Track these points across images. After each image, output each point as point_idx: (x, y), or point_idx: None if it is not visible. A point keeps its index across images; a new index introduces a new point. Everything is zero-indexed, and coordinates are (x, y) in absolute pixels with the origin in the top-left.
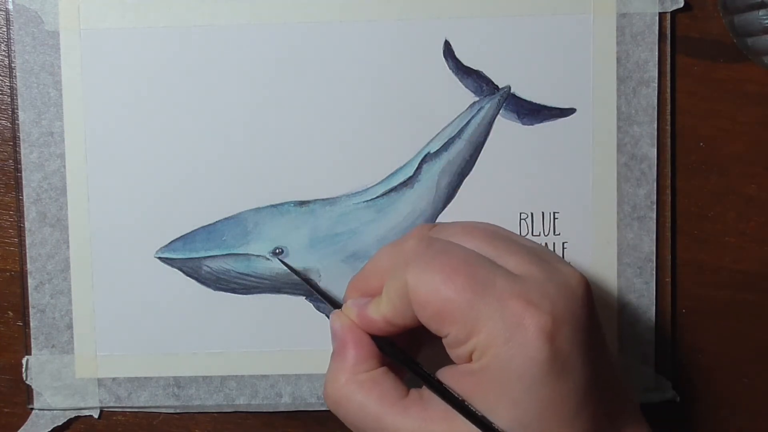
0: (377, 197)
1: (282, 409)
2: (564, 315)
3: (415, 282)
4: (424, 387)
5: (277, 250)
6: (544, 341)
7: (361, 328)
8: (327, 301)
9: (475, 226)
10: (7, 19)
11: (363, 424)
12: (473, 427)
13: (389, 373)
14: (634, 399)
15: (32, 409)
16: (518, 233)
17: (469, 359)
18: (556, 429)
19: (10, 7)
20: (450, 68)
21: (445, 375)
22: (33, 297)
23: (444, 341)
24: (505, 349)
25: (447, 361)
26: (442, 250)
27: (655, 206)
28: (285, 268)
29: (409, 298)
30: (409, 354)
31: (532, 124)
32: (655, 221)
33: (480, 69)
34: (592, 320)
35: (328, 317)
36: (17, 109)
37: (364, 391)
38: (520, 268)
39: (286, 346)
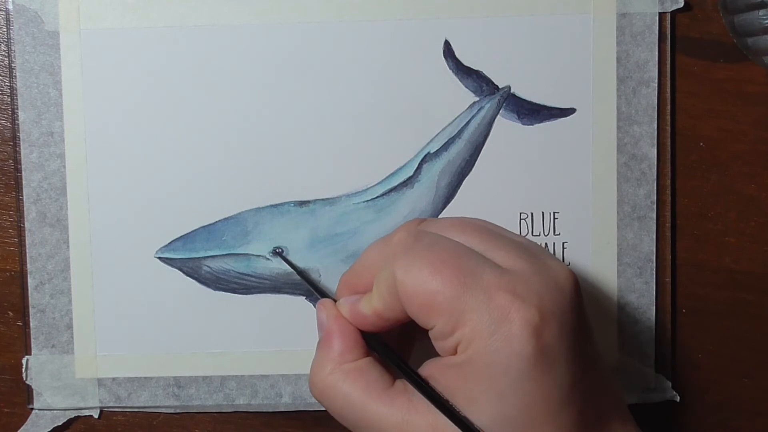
0: (377, 197)
1: (282, 409)
2: (551, 309)
3: (403, 274)
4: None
5: (277, 250)
6: (530, 335)
7: (354, 324)
8: (315, 291)
9: (464, 220)
10: (7, 19)
11: (348, 414)
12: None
13: (375, 363)
14: (623, 397)
15: (32, 409)
16: (518, 233)
17: (454, 351)
18: (540, 424)
19: (10, 7)
20: (450, 68)
21: (430, 367)
22: (33, 297)
23: (430, 333)
24: (490, 342)
25: (435, 354)
26: (430, 243)
27: (655, 206)
28: (285, 268)
29: (397, 290)
30: (394, 349)
31: (532, 124)
32: (655, 221)
33: (480, 69)
34: (579, 316)
35: None
36: (17, 109)
37: (349, 381)
38: (509, 262)
39: (286, 346)
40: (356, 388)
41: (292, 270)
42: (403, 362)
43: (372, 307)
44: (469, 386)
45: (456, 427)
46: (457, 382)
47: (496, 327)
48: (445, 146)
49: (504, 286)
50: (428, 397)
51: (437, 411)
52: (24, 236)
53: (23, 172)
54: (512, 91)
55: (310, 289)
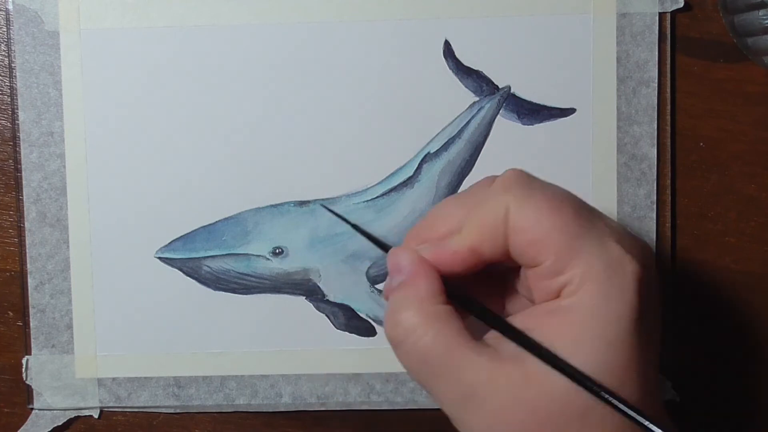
0: (377, 197)
1: (282, 409)
2: (649, 270)
3: (518, 206)
4: (488, 335)
5: (277, 250)
6: (639, 289)
7: (437, 264)
8: (377, 244)
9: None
10: (7, 19)
11: (430, 360)
12: (545, 367)
13: (456, 313)
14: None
15: (32, 409)
16: None
17: (557, 295)
18: (633, 380)
19: (10, 7)
20: (450, 68)
21: (522, 318)
22: (33, 297)
23: (533, 272)
24: (604, 288)
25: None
26: (546, 184)
27: (655, 206)
28: (285, 268)
29: (507, 223)
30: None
31: (532, 124)
32: (655, 221)
33: (480, 69)
34: (659, 281)
35: (332, 316)
36: (17, 109)
37: (439, 323)
38: (611, 221)
39: (286, 346)
40: (442, 331)
41: (291, 270)
42: (490, 311)
43: (468, 242)
44: (574, 332)
45: (550, 376)
46: (560, 329)
47: (611, 274)
48: (445, 146)
49: (616, 239)
50: (526, 345)
51: (524, 360)
52: (24, 236)
53: (23, 172)
54: (512, 91)
55: (311, 289)
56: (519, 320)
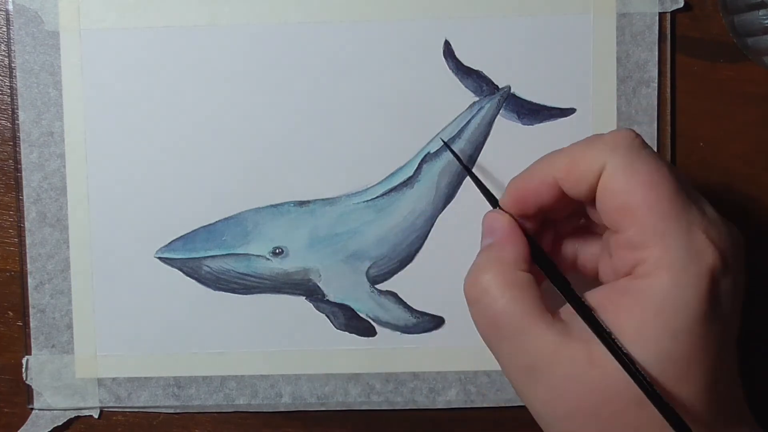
0: (377, 197)
1: (282, 409)
2: (731, 262)
3: (619, 168)
4: (563, 308)
5: (277, 250)
6: (712, 281)
7: (525, 194)
8: (485, 196)
9: None
10: (7, 19)
11: (500, 323)
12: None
13: (536, 283)
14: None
15: (32, 409)
16: None
17: (630, 272)
18: (696, 374)
19: (10, 7)
20: (450, 68)
21: (599, 294)
22: (33, 297)
23: (614, 238)
24: (679, 276)
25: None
26: (654, 157)
27: None
28: (285, 268)
29: (601, 180)
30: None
31: (532, 124)
32: None
33: (480, 69)
34: (744, 278)
35: (332, 316)
36: (17, 109)
37: (515, 289)
38: (706, 207)
39: (286, 346)
40: (519, 298)
41: (291, 270)
42: (568, 284)
43: (552, 173)
44: (641, 317)
45: (614, 360)
46: (629, 312)
47: (689, 262)
48: (445, 146)
49: (704, 227)
50: (592, 325)
51: (592, 342)
52: (24, 236)
53: (23, 172)
54: (512, 91)
55: (311, 290)
56: (597, 295)
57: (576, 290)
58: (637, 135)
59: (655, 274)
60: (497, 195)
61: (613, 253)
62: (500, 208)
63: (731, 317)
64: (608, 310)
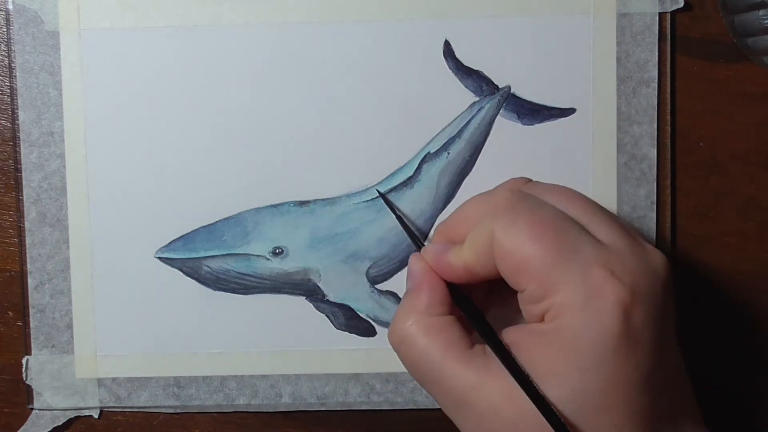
0: (377, 197)
1: (282, 409)
2: (643, 292)
3: (502, 232)
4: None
5: (277, 250)
6: (621, 314)
7: (437, 272)
8: (412, 241)
9: (569, 190)
10: (7, 19)
11: (423, 367)
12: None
13: (457, 323)
14: (694, 398)
15: (32, 409)
16: None
17: (541, 318)
18: (615, 405)
19: (10, 7)
20: (450, 68)
21: (514, 333)
22: (33, 297)
23: (519, 296)
24: (580, 316)
25: (515, 323)
26: (534, 206)
27: (655, 206)
28: (285, 268)
29: (493, 248)
30: (480, 309)
31: (532, 124)
32: (655, 221)
33: (480, 69)
34: (668, 304)
35: (332, 316)
36: (17, 109)
37: (431, 335)
38: (608, 238)
39: (286, 346)
40: (435, 342)
41: (291, 270)
42: (486, 325)
43: (462, 260)
44: (552, 357)
45: (529, 399)
46: (540, 351)
47: (588, 301)
48: (445, 146)
49: (601, 262)
50: (506, 364)
51: (512, 378)
52: (24, 236)
53: (23, 172)
54: (512, 91)
55: (311, 290)
56: (513, 333)
57: (494, 328)
58: (523, 182)
59: (560, 318)
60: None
61: (522, 309)
62: (421, 250)
63: (655, 344)
64: (522, 349)
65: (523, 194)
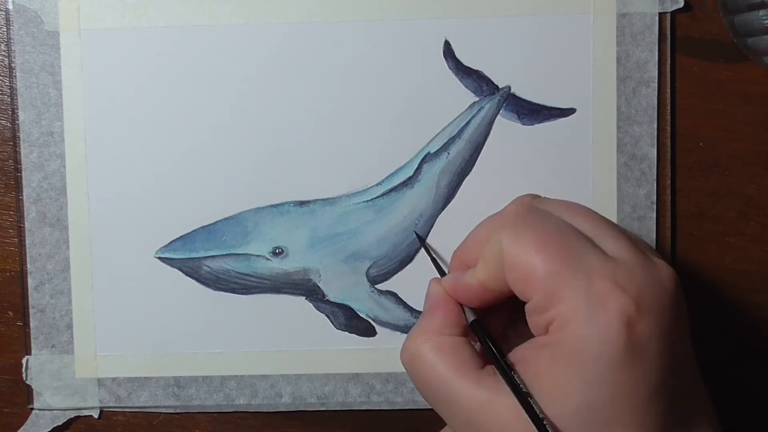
0: (377, 197)
1: (282, 409)
2: (649, 304)
3: (509, 243)
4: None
5: (277, 250)
6: (624, 326)
7: (456, 298)
8: (436, 268)
9: (578, 204)
10: (7, 19)
11: (432, 386)
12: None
13: (469, 345)
14: (712, 407)
15: (32, 409)
16: None
17: (546, 330)
18: (624, 418)
19: (10, 7)
20: (450, 68)
21: (523, 350)
22: (33, 297)
23: (526, 307)
24: (584, 327)
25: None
26: (541, 219)
27: (655, 206)
28: (285, 268)
29: (502, 259)
30: (493, 335)
31: (532, 124)
32: (655, 221)
33: (480, 69)
34: (677, 316)
35: (332, 316)
36: (17, 109)
37: (442, 353)
38: (615, 251)
39: (286, 346)
40: (445, 361)
41: (291, 270)
42: (495, 345)
43: (477, 278)
44: (557, 371)
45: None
46: (545, 366)
47: (592, 312)
48: (445, 146)
49: (606, 274)
50: (510, 385)
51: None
52: (24, 236)
53: (23, 172)
54: (512, 91)
55: (311, 289)
56: (520, 351)
57: (500, 347)
58: (531, 198)
59: (563, 329)
60: (499, 195)
61: (529, 321)
62: (441, 277)
63: (665, 356)
64: (529, 365)
65: (531, 207)
